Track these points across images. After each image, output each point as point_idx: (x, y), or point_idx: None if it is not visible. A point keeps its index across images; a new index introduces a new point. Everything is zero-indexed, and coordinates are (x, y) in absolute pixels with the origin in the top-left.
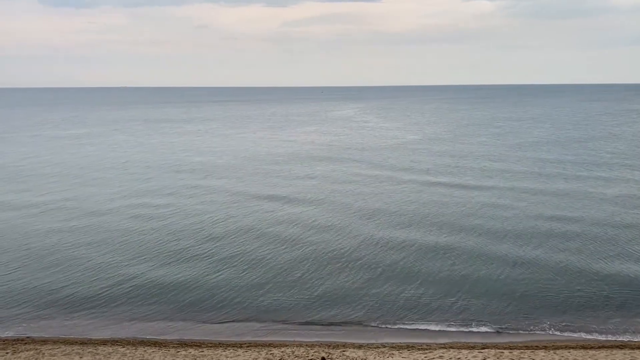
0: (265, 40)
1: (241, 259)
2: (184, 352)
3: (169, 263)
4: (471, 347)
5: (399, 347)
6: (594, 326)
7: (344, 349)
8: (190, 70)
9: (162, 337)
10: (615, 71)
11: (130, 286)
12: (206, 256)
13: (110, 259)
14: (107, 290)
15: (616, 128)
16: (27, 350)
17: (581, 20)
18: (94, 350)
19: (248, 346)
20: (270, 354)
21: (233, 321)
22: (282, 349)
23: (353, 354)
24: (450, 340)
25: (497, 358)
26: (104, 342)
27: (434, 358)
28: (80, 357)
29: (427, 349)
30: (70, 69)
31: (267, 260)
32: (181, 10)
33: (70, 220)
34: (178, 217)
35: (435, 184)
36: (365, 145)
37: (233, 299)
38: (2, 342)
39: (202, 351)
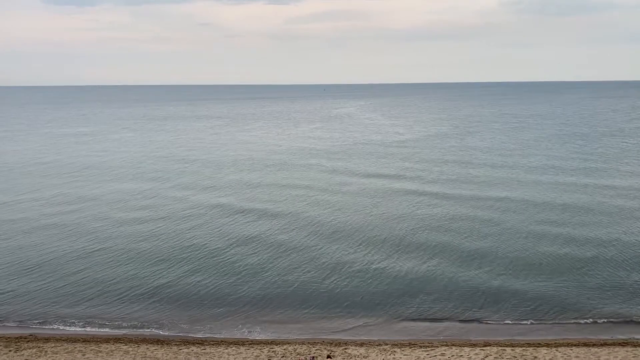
0: (268, 38)
1: (244, 262)
2: (186, 350)
3: (173, 263)
4: (473, 344)
5: (401, 345)
6: (597, 324)
7: (345, 347)
8: (193, 67)
9: (164, 335)
10: (617, 68)
11: (134, 285)
12: (209, 258)
13: (115, 259)
14: (110, 289)
15: (624, 124)
16: (30, 348)
17: (584, 17)
18: (97, 348)
19: (250, 344)
20: (272, 351)
21: (235, 319)
22: (284, 347)
23: (355, 352)
24: (452, 338)
25: (499, 355)
26: (106, 340)
27: (435, 355)
28: (83, 355)
29: (428, 347)
30: (74, 67)
31: (269, 263)
32: (183, 8)
33: (77, 220)
34: (184, 220)
35: (437, 196)
36: (367, 150)
37: (236, 297)
38: (5, 340)
39: (205, 349)
